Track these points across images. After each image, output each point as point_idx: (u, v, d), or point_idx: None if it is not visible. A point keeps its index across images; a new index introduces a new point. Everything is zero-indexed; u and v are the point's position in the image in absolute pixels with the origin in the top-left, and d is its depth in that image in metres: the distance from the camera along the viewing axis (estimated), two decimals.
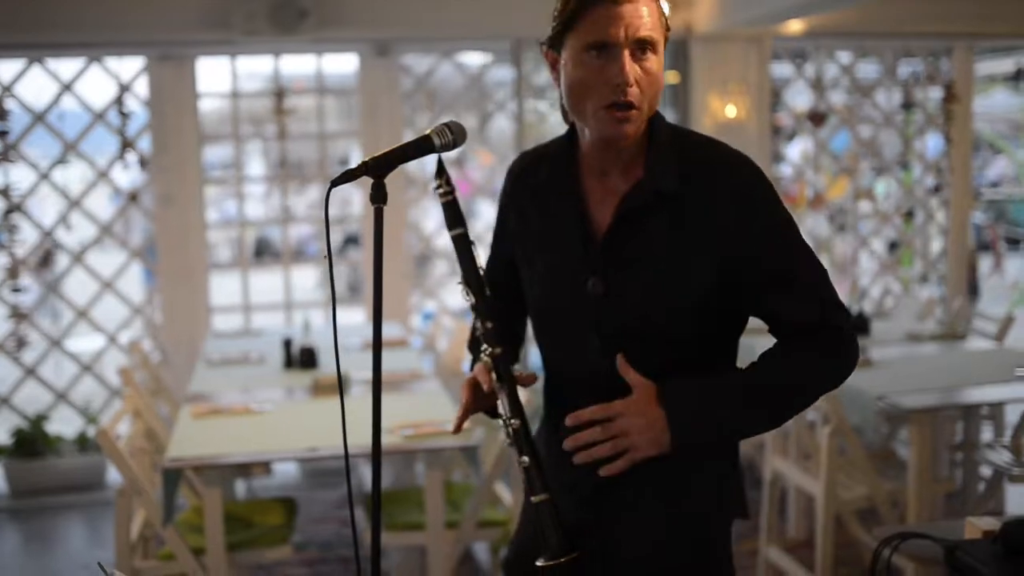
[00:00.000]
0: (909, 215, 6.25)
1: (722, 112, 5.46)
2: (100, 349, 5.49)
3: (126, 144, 5.16)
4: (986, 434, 4.26)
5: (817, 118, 5.89)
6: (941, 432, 4.14)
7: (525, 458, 1.67)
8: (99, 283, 5.33)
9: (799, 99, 6.55)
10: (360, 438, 3.12)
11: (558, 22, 1.63)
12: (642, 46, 1.58)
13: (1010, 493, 4.33)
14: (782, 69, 6.10)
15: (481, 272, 1.73)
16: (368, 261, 5.46)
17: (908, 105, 6.04)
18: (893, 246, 7.32)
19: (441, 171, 1.73)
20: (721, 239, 1.60)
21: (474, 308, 1.73)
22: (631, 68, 1.57)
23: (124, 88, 5.16)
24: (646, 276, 1.64)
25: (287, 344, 4.09)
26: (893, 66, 6.01)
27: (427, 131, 1.66)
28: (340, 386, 1.51)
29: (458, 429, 1.79)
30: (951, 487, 3.79)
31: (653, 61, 1.59)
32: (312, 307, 5.84)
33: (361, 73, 5.46)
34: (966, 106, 6.02)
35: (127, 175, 5.26)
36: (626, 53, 1.57)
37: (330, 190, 1.63)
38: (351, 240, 13.91)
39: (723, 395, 1.63)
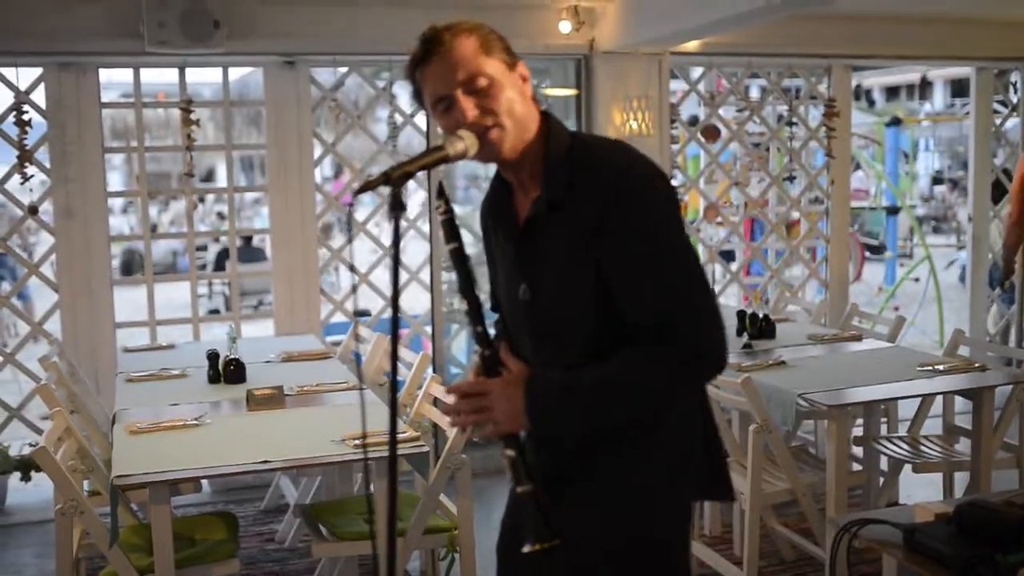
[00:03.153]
0: (790, 226, 6.61)
1: (624, 125, 5.66)
2: None
3: (24, 155, 4.98)
4: (882, 428, 4.56)
5: (710, 133, 6.16)
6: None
7: (510, 451, 1.81)
8: None
9: (685, 113, 6.86)
10: (301, 450, 3.15)
11: (411, 89, 1.84)
12: (470, 84, 1.75)
13: (905, 482, 4.64)
14: (674, 84, 6.36)
15: (474, 283, 1.87)
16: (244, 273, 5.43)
17: (790, 123, 6.38)
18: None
19: (440, 193, 1.89)
20: (594, 239, 1.74)
21: (467, 314, 1.87)
22: (470, 106, 1.75)
23: (22, 97, 4.98)
24: (549, 282, 1.82)
25: (212, 358, 4.03)
26: (777, 83, 6.34)
27: (440, 142, 1.79)
28: (361, 392, 1.58)
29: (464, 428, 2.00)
30: (863, 479, 4.04)
31: (492, 87, 1.76)
32: (208, 322, 5.75)
33: (268, 85, 5.42)
34: (845, 122, 6.40)
35: (26, 187, 5.05)
36: (459, 95, 1.75)
37: (355, 198, 1.73)
38: (226, 254, 13.65)
39: (579, 388, 1.76)
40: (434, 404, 3.77)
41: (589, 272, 1.75)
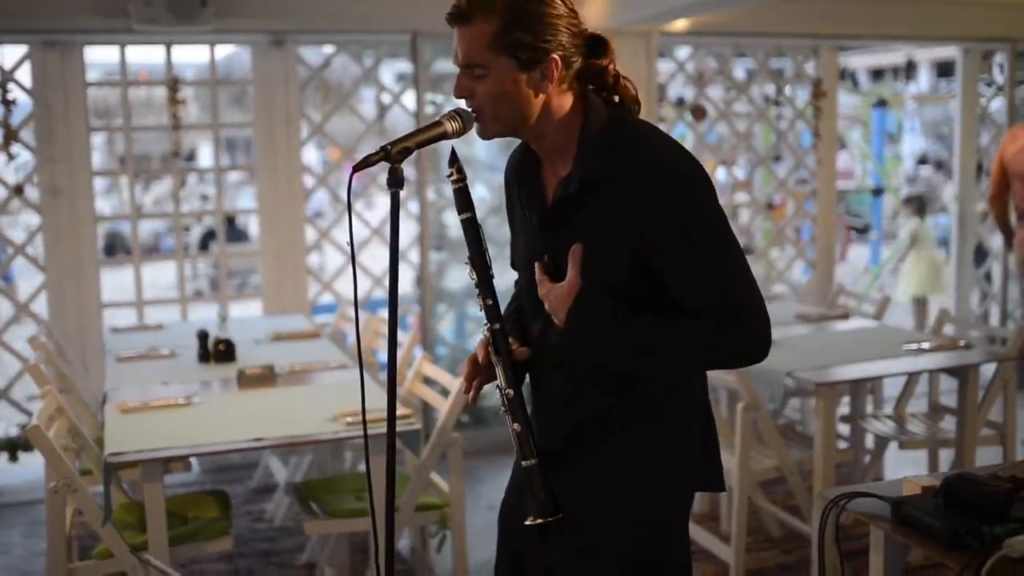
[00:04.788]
0: (770, 205, 6.65)
1: None
2: None
3: (9, 134, 4.95)
4: (868, 406, 4.60)
5: (698, 112, 6.17)
6: None
7: (517, 425, 1.85)
8: None
9: (672, 92, 6.87)
10: (294, 428, 3.17)
11: None
12: (469, 67, 1.78)
13: (890, 460, 4.69)
14: (662, 64, 6.36)
15: (486, 255, 1.86)
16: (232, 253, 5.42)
17: (777, 102, 6.40)
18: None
19: (453, 159, 1.87)
20: (639, 224, 1.74)
21: (477, 286, 1.87)
22: (462, 84, 1.79)
23: (6, 76, 4.95)
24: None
25: (202, 337, 4.03)
26: (765, 63, 6.35)
27: (438, 117, 1.79)
28: (360, 372, 1.58)
29: (474, 400, 1.97)
30: (849, 456, 4.08)
31: (484, 78, 1.77)
32: (197, 302, 5.73)
33: (256, 64, 5.40)
34: (832, 102, 6.42)
35: (11, 166, 5.03)
36: (462, 72, 1.79)
37: (352, 175, 1.73)
38: (210, 235, 13.60)
39: (625, 321, 1.76)
40: (424, 383, 3.79)
41: (623, 251, 1.75)
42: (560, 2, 1.77)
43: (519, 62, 1.75)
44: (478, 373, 1.94)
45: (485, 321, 1.88)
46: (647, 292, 1.76)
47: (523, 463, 1.85)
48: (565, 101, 1.81)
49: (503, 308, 1.95)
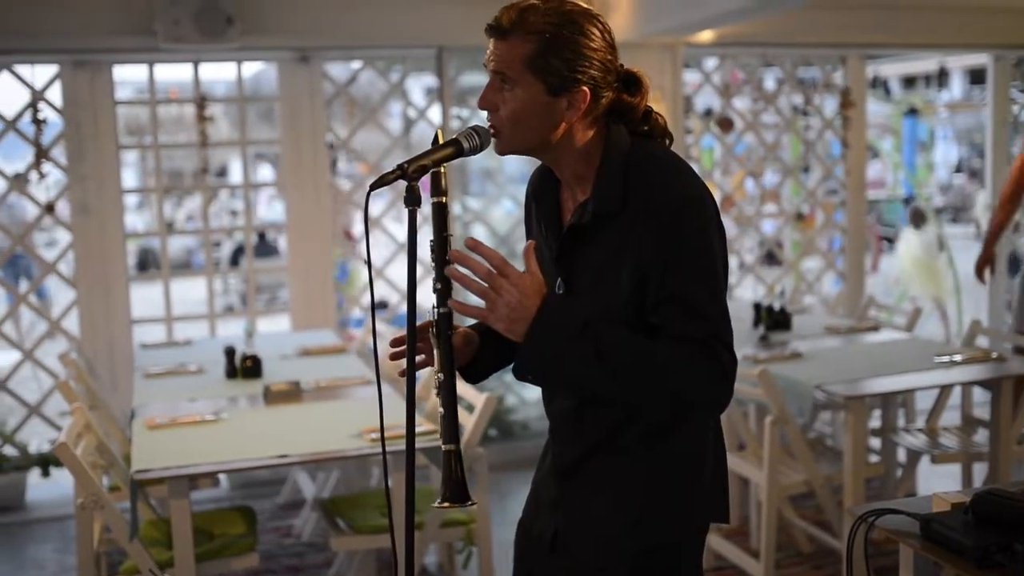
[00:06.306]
0: (799, 216, 6.60)
1: None
2: (14, 365, 5.32)
3: (40, 153, 5.01)
4: (900, 420, 4.54)
5: (725, 124, 6.14)
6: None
7: (442, 410, 1.83)
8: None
9: (699, 103, 6.84)
10: (319, 444, 3.17)
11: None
12: (499, 74, 1.76)
13: (923, 474, 4.62)
14: (689, 75, 6.34)
15: (448, 240, 1.80)
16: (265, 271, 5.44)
17: (805, 112, 6.35)
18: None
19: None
20: (640, 251, 1.73)
21: (434, 269, 1.81)
22: (487, 98, 1.78)
23: (38, 95, 5.02)
24: (586, 284, 1.81)
25: (229, 353, 4.05)
26: (792, 73, 6.31)
27: (456, 135, 1.79)
28: (379, 388, 1.57)
29: (401, 372, 1.82)
30: (880, 470, 4.03)
31: (510, 91, 1.76)
32: (226, 318, 5.77)
33: (282, 80, 5.44)
34: (860, 112, 6.36)
35: (43, 184, 5.09)
36: (491, 80, 1.78)
37: (369, 193, 1.72)
38: (241, 250, 13.70)
39: (601, 331, 1.70)
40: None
41: (626, 283, 1.75)
42: (599, 36, 1.76)
43: (548, 87, 1.74)
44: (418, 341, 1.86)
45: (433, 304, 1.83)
46: (645, 322, 1.75)
47: (442, 447, 1.82)
48: (588, 131, 1.80)
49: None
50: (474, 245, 1.72)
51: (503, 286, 1.70)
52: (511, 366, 1.83)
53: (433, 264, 1.81)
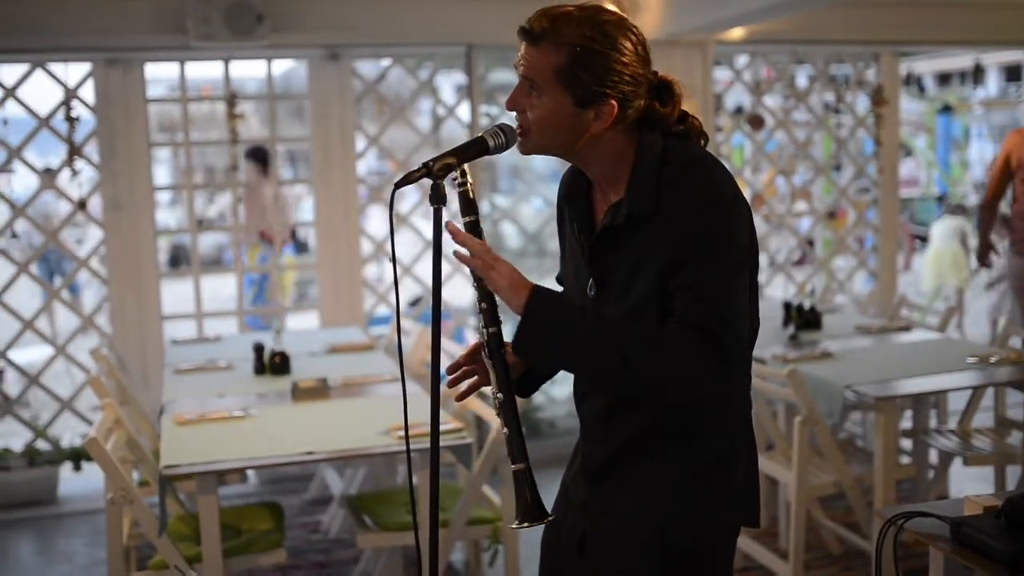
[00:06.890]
0: (831, 215, 6.54)
1: None
2: (47, 360, 5.38)
3: (73, 150, 5.07)
4: (932, 421, 4.48)
5: (756, 121, 6.10)
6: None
7: (506, 429, 1.82)
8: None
9: (730, 101, 6.79)
10: (346, 441, 3.18)
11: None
12: (528, 82, 1.75)
13: (955, 476, 4.56)
14: (719, 73, 6.31)
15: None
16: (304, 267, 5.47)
17: (837, 110, 6.30)
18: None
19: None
20: (665, 250, 1.72)
21: (475, 288, 1.83)
22: (516, 99, 1.77)
23: (71, 93, 5.07)
24: (617, 286, 1.80)
25: (258, 350, 4.07)
26: (824, 71, 6.25)
27: (481, 133, 1.78)
28: (403, 386, 1.57)
29: (460, 396, 1.97)
30: (911, 472, 3.98)
31: (537, 98, 1.75)
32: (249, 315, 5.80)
33: (312, 78, 5.46)
34: (893, 109, 6.30)
35: (76, 181, 5.15)
36: (520, 83, 1.77)
37: (395, 192, 1.72)
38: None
39: (591, 313, 1.75)
40: (477, 396, 3.77)
41: (652, 279, 1.74)
42: (631, 49, 1.74)
43: (576, 98, 1.73)
44: (468, 365, 1.91)
45: (481, 324, 1.84)
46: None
47: (512, 467, 1.82)
48: (618, 138, 1.78)
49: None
50: (454, 231, 1.76)
51: (499, 258, 1.77)
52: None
53: (475, 286, 1.81)
